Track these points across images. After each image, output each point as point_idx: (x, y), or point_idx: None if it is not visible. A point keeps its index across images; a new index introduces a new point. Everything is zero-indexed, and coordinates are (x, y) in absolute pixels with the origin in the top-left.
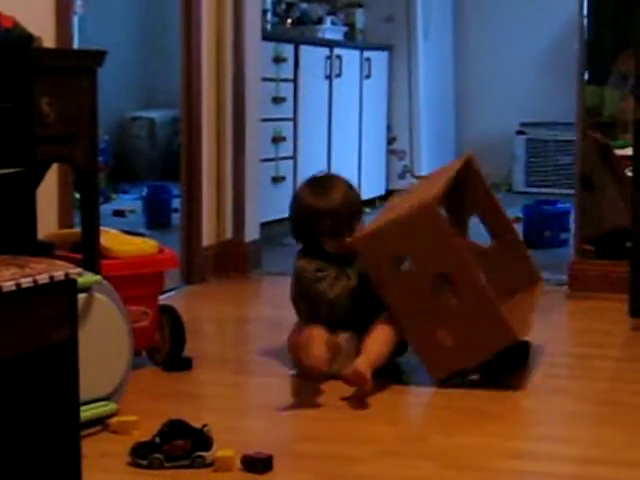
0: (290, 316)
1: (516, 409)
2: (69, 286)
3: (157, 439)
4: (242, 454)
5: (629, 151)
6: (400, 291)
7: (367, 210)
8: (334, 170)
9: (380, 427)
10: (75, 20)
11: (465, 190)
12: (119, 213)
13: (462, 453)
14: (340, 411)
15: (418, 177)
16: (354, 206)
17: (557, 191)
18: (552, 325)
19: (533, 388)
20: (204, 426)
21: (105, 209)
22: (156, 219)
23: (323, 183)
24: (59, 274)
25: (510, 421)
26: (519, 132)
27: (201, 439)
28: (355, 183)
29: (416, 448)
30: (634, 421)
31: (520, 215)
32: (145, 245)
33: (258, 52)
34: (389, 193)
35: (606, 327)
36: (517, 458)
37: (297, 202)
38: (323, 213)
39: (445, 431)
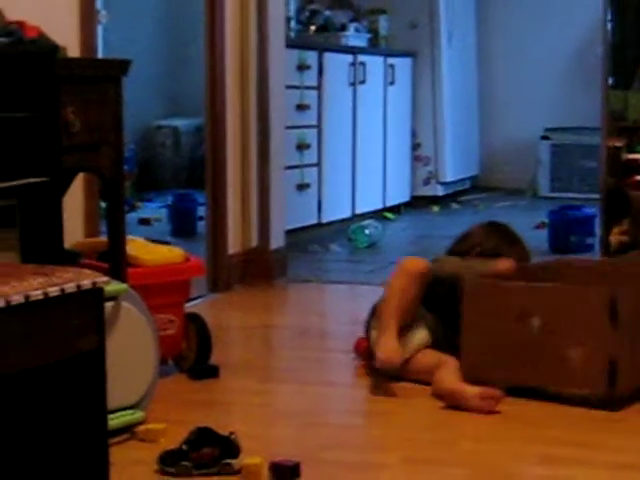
0: (316, 323)
1: (544, 414)
2: (96, 295)
3: (185, 447)
4: (270, 461)
5: None
6: None
7: (392, 216)
8: (359, 176)
9: (408, 433)
10: (99, 30)
11: None
12: (145, 221)
13: (492, 459)
14: (367, 418)
15: (441, 183)
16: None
17: (582, 196)
18: None
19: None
20: (231, 434)
21: (131, 217)
22: (182, 227)
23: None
24: (86, 283)
25: (538, 426)
26: (543, 137)
27: (228, 447)
28: (380, 189)
29: (445, 454)
30: None
31: (546, 220)
32: (171, 253)
33: (282, 59)
34: (414, 199)
35: None
36: (548, 463)
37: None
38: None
39: (474, 437)
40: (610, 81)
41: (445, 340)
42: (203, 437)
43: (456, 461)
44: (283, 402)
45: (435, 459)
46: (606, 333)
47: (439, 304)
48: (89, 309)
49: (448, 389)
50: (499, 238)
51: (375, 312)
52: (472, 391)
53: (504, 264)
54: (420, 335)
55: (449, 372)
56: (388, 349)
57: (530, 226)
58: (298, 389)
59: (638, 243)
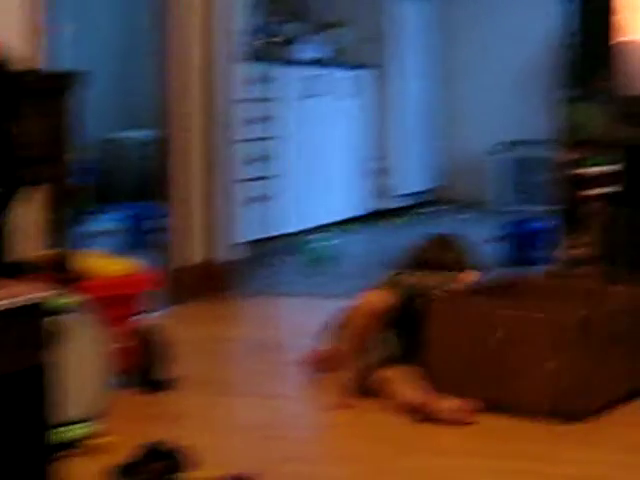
0: (271, 336)
1: (506, 427)
2: (33, 310)
3: (134, 461)
4: (229, 475)
5: (600, 169)
6: None
7: (346, 229)
8: (313, 189)
9: (364, 446)
10: (53, 41)
11: None
12: (101, 234)
13: (448, 473)
14: (324, 430)
15: (396, 196)
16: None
17: (538, 209)
18: None
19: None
20: (181, 448)
21: (87, 230)
22: (139, 240)
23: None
24: (28, 297)
25: (498, 439)
26: (502, 150)
27: (178, 461)
28: (335, 202)
29: (400, 467)
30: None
31: (502, 233)
32: (124, 266)
33: (234, 72)
34: (370, 212)
35: None
36: (499, 477)
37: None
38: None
39: (431, 450)
40: (566, 94)
41: (406, 354)
42: (153, 452)
43: (411, 474)
44: (240, 415)
45: (391, 471)
46: (576, 349)
47: (401, 319)
48: (26, 324)
49: (419, 401)
50: (447, 250)
51: (332, 324)
52: (445, 403)
53: (467, 277)
54: (380, 351)
55: (414, 385)
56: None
57: (486, 239)
58: (255, 402)
59: (593, 257)
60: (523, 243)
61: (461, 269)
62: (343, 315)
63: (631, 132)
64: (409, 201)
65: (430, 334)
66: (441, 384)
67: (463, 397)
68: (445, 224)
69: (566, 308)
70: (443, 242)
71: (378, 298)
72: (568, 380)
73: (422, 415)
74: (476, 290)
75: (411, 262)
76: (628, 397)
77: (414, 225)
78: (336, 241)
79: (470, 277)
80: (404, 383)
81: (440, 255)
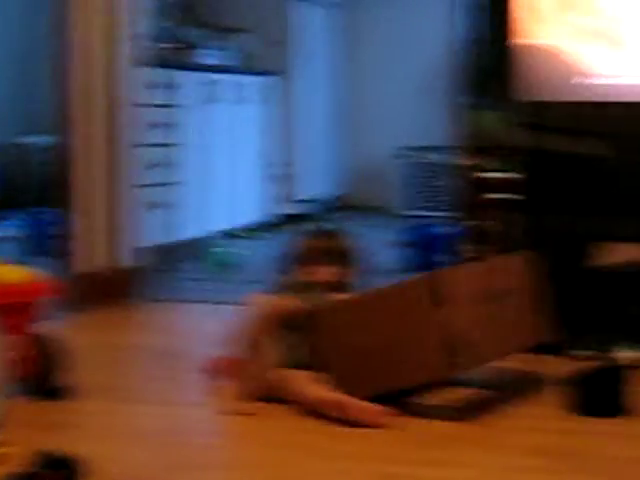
0: (172, 343)
1: (406, 430)
2: None
3: (30, 471)
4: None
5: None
6: None
7: (247, 235)
8: (213, 195)
9: (264, 452)
10: None
11: None
12: (2, 240)
13: (335, 479)
14: (224, 438)
15: (297, 201)
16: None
17: (437, 214)
18: None
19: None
20: (78, 456)
21: None
22: (41, 246)
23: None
24: None
25: (382, 442)
26: (400, 156)
27: (75, 470)
28: (236, 208)
29: (294, 473)
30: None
31: (403, 238)
32: (23, 273)
33: (135, 77)
34: (271, 218)
35: None
36: None
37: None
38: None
39: (318, 457)
40: (468, 100)
41: (303, 359)
42: (49, 461)
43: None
44: (140, 422)
45: (290, 477)
46: (433, 319)
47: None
48: None
49: (333, 398)
50: (331, 241)
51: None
52: (359, 403)
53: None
54: (279, 355)
55: (321, 384)
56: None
57: (387, 244)
58: (155, 409)
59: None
60: (426, 248)
61: (346, 260)
62: (238, 321)
63: (529, 139)
64: (315, 207)
65: (316, 342)
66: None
67: (364, 395)
68: (350, 229)
69: (420, 282)
70: (327, 234)
71: (268, 302)
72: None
73: (336, 412)
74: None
75: (298, 257)
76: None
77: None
78: (240, 247)
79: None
80: (311, 383)
81: (326, 246)
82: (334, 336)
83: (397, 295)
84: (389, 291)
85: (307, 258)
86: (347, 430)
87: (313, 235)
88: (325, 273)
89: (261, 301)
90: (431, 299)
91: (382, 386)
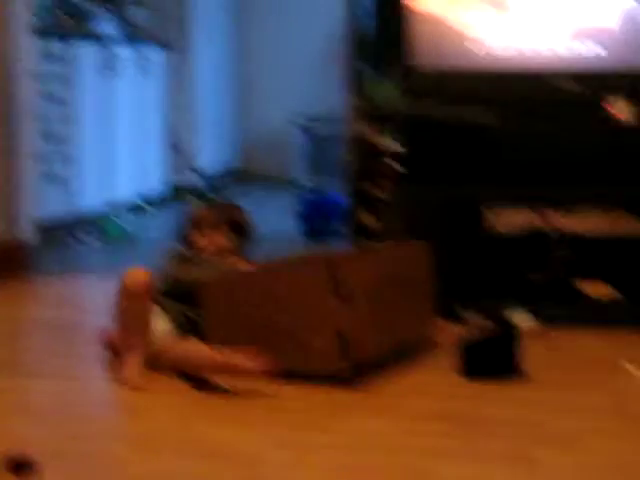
0: (69, 316)
1: (275, 398)
2: None
3: None
4: (5, 456)
5: (393, 145)
6: None
7: (148, 207)
8: (113, 167)
9: (155, 424)
10: None
11: None
12: None
13: (230, 446)
14: (115, 410)
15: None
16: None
17: (333, 183)
18: None
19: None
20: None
21: None
22: None
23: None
24: None
25: (275, 411)
26: (300, 126)
27: None
28: (136, 180)
29: (188, 444)
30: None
31: (300, 208)
32: None
33: (29, 48)
34: (171, 190)
35: None
36: (286, 449)
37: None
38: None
39: (212, 425)
40: (363, 70)
41: (192, 327)
42: None
43: (194, 449)
44: (31, 397)
45: (178, 450)
46: (330, 308)
47: (182, 299)
48: None
49: (218, 357)
50: (221, 210)
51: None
52: (240, 354)
53: (243, 266)
54: (163, 327)
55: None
56: (133, 377)
57: (285, 214)
58: (46, 383)
59: (391, 231)
60: (322, 217)
61: (240, 230)
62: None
63: (418, 107)
64: (214, 177)
65: (207, 313)
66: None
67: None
68: (245, 200)
69: (319, 268)
70: (221, 204)
71: (138, 278)
72: (329, 340)
73: (224, 369)
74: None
75: (193, 226)
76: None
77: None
78: (135, 219)
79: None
80: (195, 346)
81: (219, 215)
82: (224, 308)
83: (295, 277)
84: (287, 271)
85: (201, 227)
86: (238, 398)
87: (208, 205)
88: (218, 242)
89: (132, 276)
90: (330, 289)
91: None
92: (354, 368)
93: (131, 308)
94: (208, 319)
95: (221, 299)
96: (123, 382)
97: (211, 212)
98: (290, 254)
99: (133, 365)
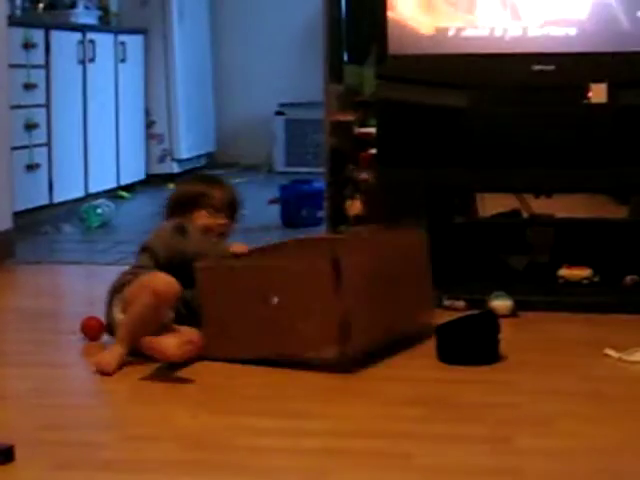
0: (47, 304)
1: (259, 384)
2: None
3: None
4: None
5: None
6: None
7: (126, 195)
8: (91, 155)
9: (130, 411)
10: None
11: None
12: None
13: (207, 433)
14: (92, 398)
15: (177, 160)
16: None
17: (316, 170)
18: None
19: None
20: None
21: None
22: None
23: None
24: None
25: (254, 398)
26: (278, 113)
27: None
28: (113, 168)
29: (161, 430)
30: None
31: (277, 195)
32: None
33: (5, 38)
34: (149, 177)
35: None
36: (263, 435)
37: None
38: (199, 191)
39: (191, 411)
40: (342, 55)
41: (189, 314)
42: None
43: (171, 436)
44: (6, 385)
45: (153, 435)
46: (331, 298)
47: (180, 278)
48: None
49: (147, 344)
50: (206, 185)
51: (115, 291)
52: (168, 341)
53: (239, 248)
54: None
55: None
56: (105, 361)
57: (264, 201)
58: (23, 372)
59: (371, 217)
60: (300, 204)
61: (229, 207)
62: (127, 288)
63: (392, 92)
64: (190, 165)
65: (204, 302)
66: (215, 348)
67: (237, 358)
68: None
69: (322, 260)
70: (208, 179)
71: (168, 285)
72: (330, 330)
73: (152, 353)
74: (251, 256)
75: (177, 204)
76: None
77: None
78: (115, 207)
79: (243, 247)
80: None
81: (207, 191)
82: (220, 293)
83: (298, 268)
84: (287, 259)
85: (207, 206)
86: (218, 384)
87: (212, 185)
88: (221, 222)
89: (165, 282)
90: (332, 279)
91: (260, 352)
92: (352, 357)
93: (152, 311)
94: (204, 303)
95: (217, 283)
96: (96, 364)
97: (219, 192)
98: (286, 239)
99: (115, 354)
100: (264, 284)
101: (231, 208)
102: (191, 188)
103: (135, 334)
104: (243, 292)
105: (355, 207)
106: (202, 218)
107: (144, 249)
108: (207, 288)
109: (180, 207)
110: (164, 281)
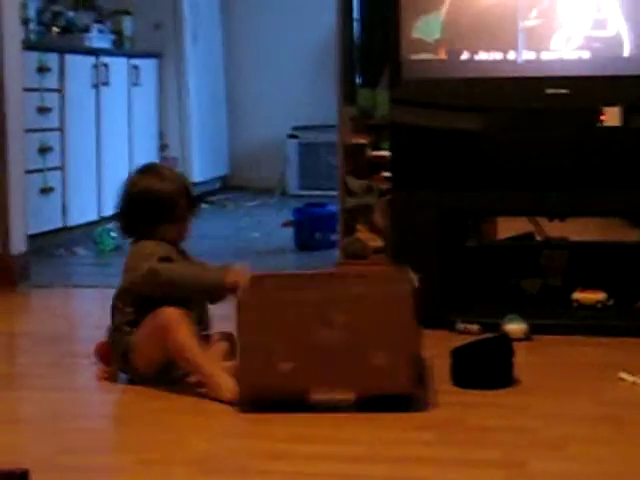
0: (61, 328)
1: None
2: None
3: None
4: None
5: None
6: None
7: None
8: (105, 178)
9: (145, 436)
10: None
11: None
12: None
13: (222, 458)
14: (106, 421)
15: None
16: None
17: (329, 193)
18: None
19: None
20: None
21: None
22: None
23: (156, 170)
24: None
25: (267, 421)
26: (291, 136)
27: None
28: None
29: (175, 454)
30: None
31: (292, 218)
32: None
33: (20, 62)
34: None
35: None
36: (278, 459)
37: (131, 188)
38: (166, 197)
39: (204, 436)
40: (356, 79)
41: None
42: None
43: (186, 460)
44: (21, 409)
45: (167, 460)
46: (410, 332)
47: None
48: None
49: (206, 379)
50: (159, 179)
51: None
52: (227, 382)
53: (235, 274)
54: None
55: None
56: (230, 388)
57: (277, 224)
58: (38, 395)
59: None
60: (313, 227)
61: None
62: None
63: (407, 116)
64: (201, 189)
65: (242, 335)
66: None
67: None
68: (238, 210)
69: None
70: (155, 170)
71: (175, 314)
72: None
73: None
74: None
75: (141, 210)
76: None
77: (207, 213)
78: None
79: (240, 272)
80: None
81: (173, 196)
82: (259, 316)
83: (373, 297)
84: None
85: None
86: (231, 408)
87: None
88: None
89: (172, 315)
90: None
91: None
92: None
93: (175, 345)
94: (241, 326)
95: (256, 306)
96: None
97: (174, 189)
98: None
99: (227, 382)
100: (327, 311)
101: (192, 205)
102: (154, 192)
103: (151, 363)
104: (283, 316)
105: (364, 234)
106: (171, 233)
107: (126, 292)
108: (244, 309)
109: (144, 215)
110: (172, 314)
